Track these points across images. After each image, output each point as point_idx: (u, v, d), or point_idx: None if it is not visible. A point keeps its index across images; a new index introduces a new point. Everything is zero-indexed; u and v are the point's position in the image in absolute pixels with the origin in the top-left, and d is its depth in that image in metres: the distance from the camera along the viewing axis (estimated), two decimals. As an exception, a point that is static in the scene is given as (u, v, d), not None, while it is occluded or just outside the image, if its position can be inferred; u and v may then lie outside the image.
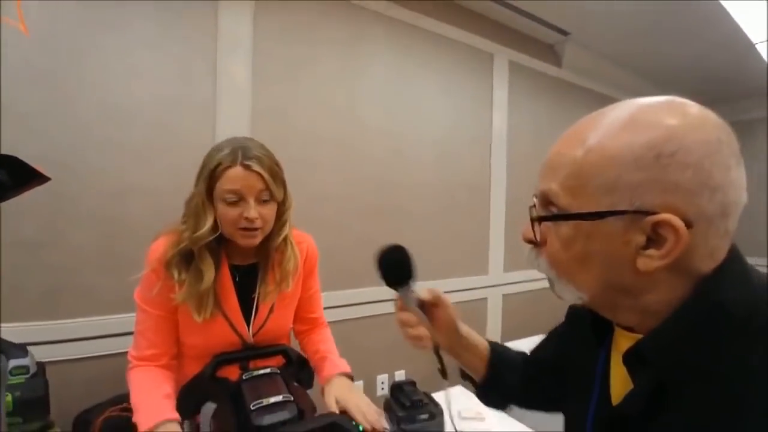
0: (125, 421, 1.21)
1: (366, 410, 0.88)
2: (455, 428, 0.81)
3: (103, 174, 1.33)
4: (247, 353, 0.92)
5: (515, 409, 1.85)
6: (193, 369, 0.89)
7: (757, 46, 2.64)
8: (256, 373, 0.83)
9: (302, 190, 1.73)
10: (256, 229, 0.86)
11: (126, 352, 1.32)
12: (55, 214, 1.26)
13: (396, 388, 1.30)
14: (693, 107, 0.40)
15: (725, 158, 0.37)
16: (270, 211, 0.88)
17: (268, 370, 0.84)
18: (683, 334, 0.39)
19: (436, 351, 0.67)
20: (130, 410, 1.23)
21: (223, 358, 0.89)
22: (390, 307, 2.19)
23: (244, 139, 0.88)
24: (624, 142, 0.38)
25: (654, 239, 0.38)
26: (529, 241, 0.48)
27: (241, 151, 0.83)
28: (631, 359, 0.42)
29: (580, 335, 0.56)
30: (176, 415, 0.79)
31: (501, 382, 0.71)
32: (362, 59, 1.90)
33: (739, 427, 0.35)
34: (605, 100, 2.83)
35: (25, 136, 1.20)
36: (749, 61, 2.86)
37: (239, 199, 0.84)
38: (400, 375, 2.09)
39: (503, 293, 2.53)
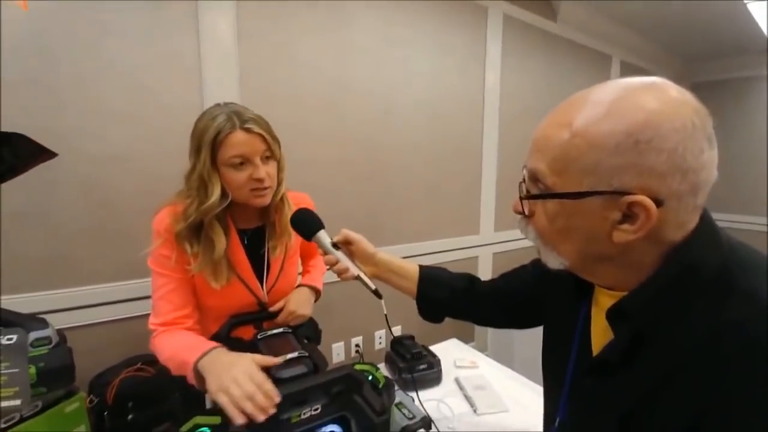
0: (142, 380, 1.30)
1: (293, 302, 1.01)
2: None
3: (88, 140, 1.29)
4: (260, 314, 0.97)
5: (507, 357, 1.99)
6: (212, 330, 0.94)
7: (747, 4, 2.60)
8: (269, 332, 0.88)
9: (291, 155, 1.71)
10: (266, 188, 0.90)
11: (127, 318, 1.40)
12: (43, 183, 1.24)
13: (396, 342, 1.39)
14: (671, 91, 0.42)
15: (698, 142, 0.40)
16: (273, 169, 0.93)
17: (280, 330, 0.89)
18: (659, 293, 0.45)
19: (357, 278, 0.82)
20: (144, 370, 1.32)
21: (237, 320, 0.93)
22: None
23: (231, 104, 0.90)
24: (606, 129, 0.41)
25: (629, 215, 0.43)
26: (519, 213, 0.53)
27: (236, 116, 0.86)
28: (613, 314, 0.48)
29: (560, 292, 0.64)
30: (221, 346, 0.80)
31: (431, 298, 0.87)
32: (349, 14, 1.82)
33: (705, 371, 0.41)
34: (600, 58, 2.82)
35: (5, 102, 1.15)
36: (746, 18, 2.82)
37: (245, 162, 0.87)
38: (396, 330, 2.20)
39: (493, 252, 2.63)
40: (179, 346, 0.82)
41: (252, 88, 1.58)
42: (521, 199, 0.52)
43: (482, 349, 2.34)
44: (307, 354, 0.78)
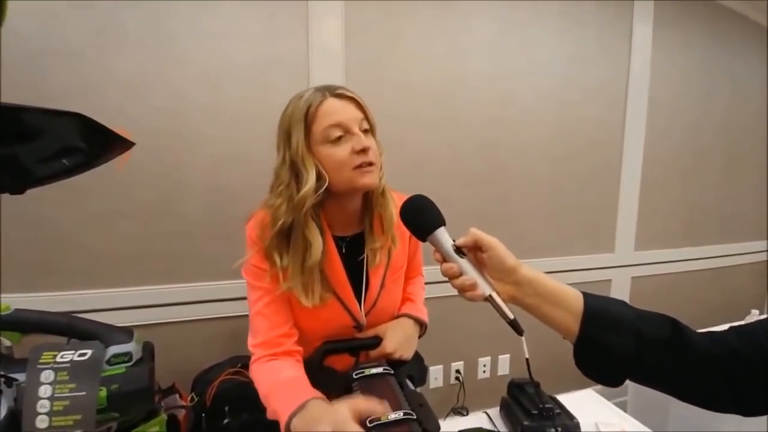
0: (240, 385, 1.26)
1: (394, 341, 0.81)
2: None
3: (206, 141, 1.31)
4: (357, 343, 0.81)
5: (667, 425, 1.54)
6: (308, 351, 0.81)
7: None
8: (367, 371, 0.71)
9: (398, 154, 1.56)
10: (372, 163, 0.74)
11: (236, 316, 1.39)
12: (171, 182, 1.28)
13: (515, 387, 1.11)
14: None
15: None
16: (374, 143, 0.77)
17: (380, 369, 0.71)
18: None
19: (488, 299, 0.58)
20: (242, 374, 1.28)
21: (330, 347, 0.79)
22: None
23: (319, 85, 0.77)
24: None
25: None
26: None
27: (325, 88, 0.75)
28: None
29: None
30: (320, 394, 0.67)
31: (603, 345, 0.54)
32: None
33: None
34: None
35: (127, 102, 1.20)
36: None
37: (344, 133, 0.73)
38: (504, 360, 1.90)
39: (632, 275, 2.12)
40: (274, 390, 0.69)
41: (357, 82, 1.46)
42: None
43: (613, 396, 1.88)
44: (414, 416, 0.58)
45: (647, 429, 1.05)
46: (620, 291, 2.10)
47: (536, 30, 1.75)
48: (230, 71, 1.31)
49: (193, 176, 1.30)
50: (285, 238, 0.75)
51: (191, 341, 1.36)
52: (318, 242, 0.73)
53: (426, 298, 1.66)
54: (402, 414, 0.58)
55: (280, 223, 0.72)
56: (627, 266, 2.09)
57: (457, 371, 1.83)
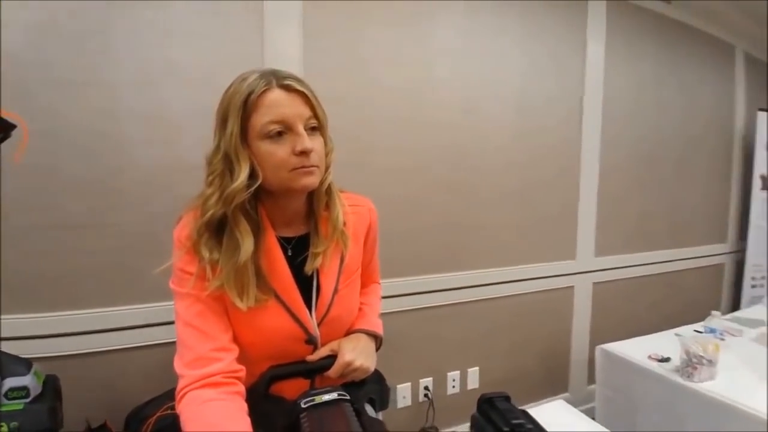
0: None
1: (350, 350, 0.72)
2: None
3: (150, 147, 1.19)
4: (308, 366, 0.72)
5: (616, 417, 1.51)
6: (255, 374, 0.69)
7: None
8: (318, 398, 0.61)
9: (361, 161, 1.51)
10: (314, 165, 0.66)
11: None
12: (101, 191, 1.15)
13: (485, 402, 1.04)
14: None
15: None
16: (321, 146, 0.69)
17: (333, 396, 0.62)
18: None
19: None
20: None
21: (277, 373, 0.69)
22: (464, 296, 1.90)
23: (268, 68, 0.68)
24: None
25: None
26: None
27: (272, 75, 0.65)
28: None
29: None
30: None
31: None
32: (428, 4, 1.59)
33: None
34: (721, 48, 2.23)
35: (58, 100, 1.08)
36: None
37: (285, 131, 0.64)
38: (473, 373, 1.84)
39: (593, 281, 2.15)
40: None
41: (317, 87, 1.39)
42: None
43: (581, 402, 1.86)
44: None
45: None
46: (583, 297, 2.12)
47: (497, 41, 1.77)
48: (174, 72, 1.21)
49: (129, 184, 1.17)
50: (215, 232, 0.65)
51: (125, 372, 1.20)
52: (248, 241, 0.64)
53: (392, 312, 1.61)
54: (356, 448, 0.49)
55: (209, 214, 0.63)
56: (588, 272, 2.12)
57: (426, 388, 1.75)
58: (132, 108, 1.17)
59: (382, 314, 1.62)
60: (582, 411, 1.13)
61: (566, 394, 2.08)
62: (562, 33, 1.93)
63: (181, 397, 0.61)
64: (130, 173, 1.18)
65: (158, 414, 1.10)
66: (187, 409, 0.59)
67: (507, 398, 1.06)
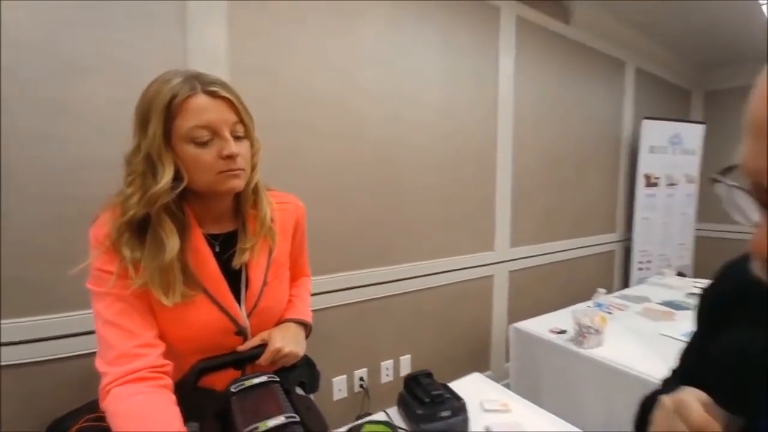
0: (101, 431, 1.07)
1: (280, 337, 0.77)
2: None
3: (47, 140, 1.10)
4: (237, 356, 0.75)
5: (544, 399, 1.75)
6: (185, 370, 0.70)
7: (763, 5, 2.45)
8: (248, 383, 0.66)
9: (296, 159, 1.54)
10: (239, 168, 0.69)
11: (94, 354, 1.17)
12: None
13: (410, 380, 1.15)
14: None
15: None
16: (246, 149, 0.72)
17: (263, 378, 0.67)
18: None
19: None
20: (103, 419, 1.09)
21: (205, 365, 0.71)
22: (394, 289, 2.01)
23: (191, 70, 0.69)
24: None
25: None
26: None
27: (196, 79, 0.65)
28: None
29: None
30: None
31: None
32: (354, 13, 1.67)
33: None
34: (614, 63, 2.64)
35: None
36: (758, 23, 2.67)
37: (211, 136, 0.66)
38: (405, 360, 1.96)
39: (510, 269, 2.40)
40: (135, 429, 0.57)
41: (245, 85, 1.39)
42: None
43: (501, 378, 2.08)
44: (297, 419, 0.56)
45: (525, 400, 1.19)
46: (501, 284, 2.36)
47: (419, 52, 1.90)
48: (86, 63, 1.14)
49: (26, 185, 1.08)
50: (137, 231, 0.65)
51: (40, 387, 1.12)
52: (174, 240, 0.65)
53: (326, 308, 1.66)
54: (284, 418, 0.55)
55: (131, 213, 0.63)
56: (505, 262, 2.36)
57: (361, 378, 1.84)
58: (35, 100, 1.08)
59: (317, 310, 1.68)
60: (503, 385, 1.28)
61: (489, 372, 2.30)
62: (478, 47, 2.12)
63: (106, 394, 0.61)
64: (29, 170, 1.09)
65: (78, 426, 1.05)
66: (113, 404, 0.60)
67: (429, 375, 1.18)
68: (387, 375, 1.92)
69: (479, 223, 2.23)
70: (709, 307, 0.50)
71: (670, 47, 3.34)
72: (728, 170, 0.31)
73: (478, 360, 2.27)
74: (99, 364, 0.64)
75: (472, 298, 2.22)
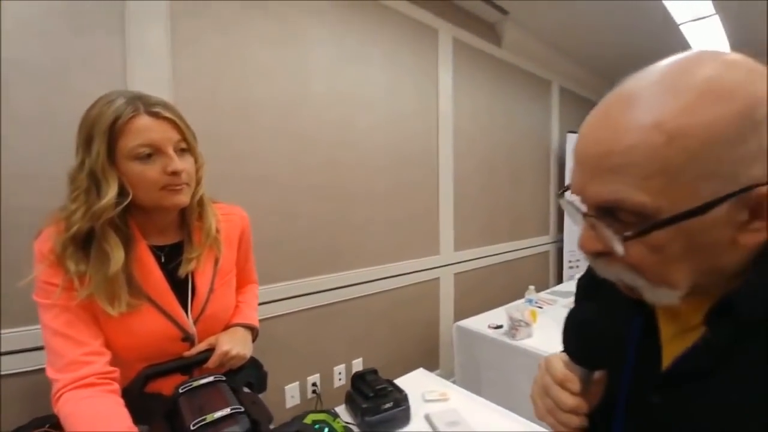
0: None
1: (227, 341, 0.82)
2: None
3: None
4: (183, 361, 0.78)
5: (484, 389, 1.89)
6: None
7: (680, 26, 2.86)
8: (195, 383, 0.70)
9: (241, 169, 1.57)
10: (183, 183, 0.74)
11: (39, 370, 1.12)
12: None
13: (357, 378, 1.23)
14: (749, 59, 0.35)
15: None
16: (191, 165, 0.76)
17: (210, 379, 0.71)
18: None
19: None
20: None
21: (152, 371, 0.74)
22: (345, 294, 2.08)
23: (132, 91, 0.74)
24: (717, 115, 0.32)
25: (756, 210, 0.33)
26: (597, 254, 0.40)
27: (139, 100, 0.70)
28: (716, 313, 0.38)
29: (613, 299, 0.48)
30: None
31: None
32: (301, 25, 1.73)
33: None
34: (541, 83, 2.94)
35: None
36: (679, 41, 3.08)
37: (154, 153, 0.70)
38: (357, 364, 2.02)
39: (454, 272, 2.55)
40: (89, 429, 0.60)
41: (189, 95, 1.41)
42: (625, 240, 0.36)
43: (450, 375, 2.21)
44: (242, 409, 0.61)
45: (463, 390, 1.30)
46: (447, 286, 2.50)
47: (364, 66, 2.00)
48: (21, 69, 1.11)
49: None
50: (82, 245, 0.68)
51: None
52: (118, 253, 0.69)
53: (277, 315, 1.69)
54: (229, 410, 0.60)
55: (75, 229, 0.66)
56: (450, 264, 2.51)
57: (314, 384, 1.87)
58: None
59: (269, 318, 1.71)
60: (451, 381, 1.39)
61: (438, 370, 2.42)
62: (419, 64, 2.28)
63: (58, 399, 0.64)
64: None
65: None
66: (65, 407, 0.63)
67: (374, 372, 1.26)
68: (339, 379, 1.97)
69: (425, 229, 2.37)
70: (582, 286, 0.63)
71: (591, 69, 3.76)
72: (566, 188, 0.43)
73: (428, 359, 2.39)
74: (49, 372, 0.66)
75: (420, 300, 2.34)
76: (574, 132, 3.50)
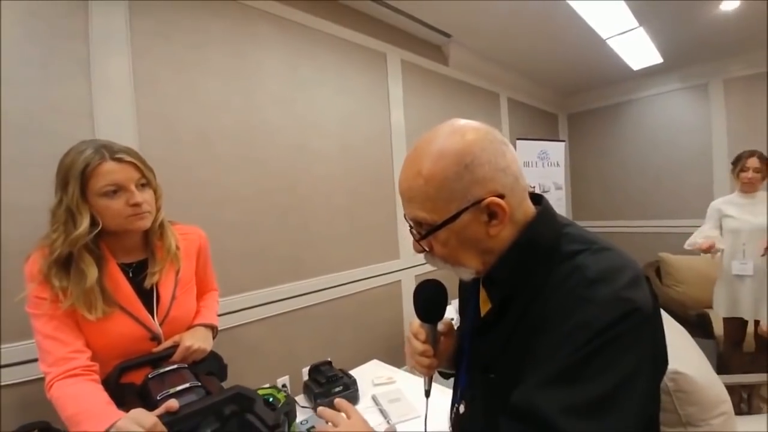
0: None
1: (189, 338, 0.97)
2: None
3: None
4: (152, 356, 0.94)
5: (437, 376, 2.08)
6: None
7: (608, 41, 3.19)
8: (162, 369, 0.86)
9: (204, 193, 1.73)
10: (146, 211, 0.92)
11: (24, 382, 1.25)
12: None
13: (313, 370, 1.40)
14: (470, 127, 0.59)
15: (499, 148, 0.58)
16: (150, 196, 0.94)
17: (174, 366, 0.88)
18: (514, 261, 0.59)
19: (441, 375, 0.79)
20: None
21: (126, 365, 0.90)
22: (311, 300, 2.26)
23: (98, 140, 0.92)
24: (444, 165, 0.56)
25: (492, 213, 0.57)
26: (421, 251, 0.63)
27: (104, 149, 0.88)
28: (488, 282, 0.64)
29: (465, 283, 0.74)
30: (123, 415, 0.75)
31: None
32: (255, 58, 1.92)
33: (545, 318, 0.54)
34: (490, 96, 3.24)
35: None
36: (608, 53, 3.42)
37: (119, 190, 0.88)
38: (324, 363, 2.18)
39: (415, 274, 2.76)
40: (80, 408, 0.76)
41: (152, 130, 1.57)
42: (419, 241, 0.62)
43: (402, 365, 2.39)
44: (199, 384, 0.78)
45: (408, 374, 1.48)
46: (408, 287, 2.70)
47: (318, 92, 2.20)
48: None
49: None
50: (63, 265, 0.85)
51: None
52: (93, 270, 0.86)
53: (247, 323, 1.84)
54: (188, 384, 0.77)
55: (57, 253, 0.83)
56: (411, 267, 2.72)
57: (284, 385, 2.01)
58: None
59: (239, 326, 1.86)
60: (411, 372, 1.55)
61: (405, 367, 2.60)
62: (370, 87, 2.50)
63: (50, 387, 0.80)
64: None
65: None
66: (57, 392, 0.79)
67: (329, 363, 1.44)
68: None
69: (384, 237, 2.57)
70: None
71: (535, 80, 4.10)
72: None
73: (393, 356, 2.56)
74: (42, 367, 0.84)
75: (383, 301, 2.53)
76: (524, 139, 3.80)
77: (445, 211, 0.57)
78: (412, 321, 0.74)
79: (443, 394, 1.18)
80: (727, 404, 0.91)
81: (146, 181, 0.94)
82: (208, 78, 1.76)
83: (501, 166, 0.57)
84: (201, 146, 1.72)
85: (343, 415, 0.67)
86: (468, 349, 0.70)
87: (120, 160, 0.88)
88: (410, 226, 0.63)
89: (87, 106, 1.43)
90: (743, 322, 2.19)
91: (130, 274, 0.96)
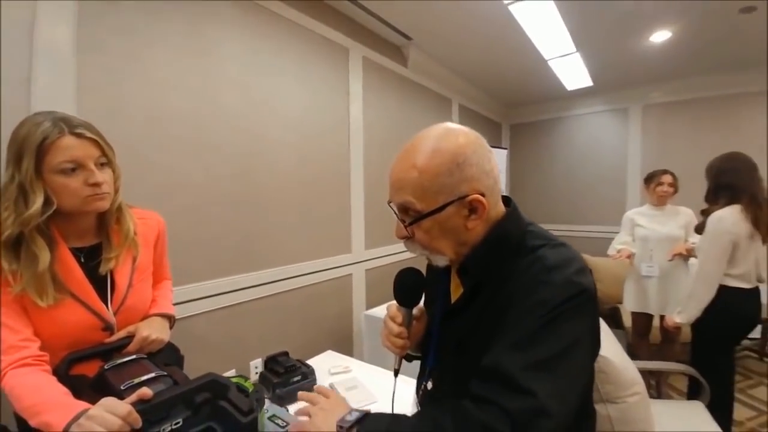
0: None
1: (146, 327, 0.94)
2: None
3: None
4: (104, 347, 0.88)
5: (388, 365, 2.16)
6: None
7: (549, 62, 3.49)
8: (119, 361, 0.82)
9: (152, 177, 1.62)
10: (105, 192, 0.86)
11: None
12: None
13: (270, 360, 1.39)
14: (462, 131, 0.69)
15: (486, 154, 0.68)
16: (110, 176, 0.89)
17: (133, 356, 0.84)
18: (485, 253, 0.68)
19: (405, 357, 0.84)
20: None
21: (76, 355, 0.84)
22: (262, 292, 2.22)
23: (55, 112, 0.84)
24: (439, 162, 0.64)
25: (473, 209, 0.66)
26: (404, 237, 0.70)
27: (63, 122, 0.81)
28: (461, 271, 0.73)
29: (435, 271, 0.81)
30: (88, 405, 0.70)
31: None
32: (214, 36, 1.83)
33: (511, 297, 0.63)
34: (443, 100, 3.40)
35: None
36: (549, 72, 3.73)
37: (78, 167, 0.82)
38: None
39: (366, 268, 2.81)
40: (40, 399, 0.71)
41: (94, 103, 1.43)
42: (405, 227, 0.69)
43: (361, 359, 2.44)
44: (165, 373, 0.76)
45: (363, 363, 1.54)
46: (359, 281, 2.75)
47: (278, 79, 2.15)
48: None
49: None
50: (13, 246, 0.77)
51: None
52: (45, 254, 0.79)
53: (193, 315, 1.76)
54: (154, 374, 0.75)
55: (7, 233, 0.76)
56: (361, 262, 2.76)
57: (257, 371, 1.96)
58: None
59: (187, 317, 1.77)
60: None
61: (353, 357, 2.64)
62: (331, 80, 2.49)
63: (4, 375, 0.74)
64: None
65: None
66: (10, 381, 0.73)
67: (286, 354, 1.44)
68: (256, 373, 2.08)
69: (337, 230, 2.58)
70: (428, 266, 0.91)
71: (484, 90, 4.35)
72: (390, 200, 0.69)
73: (342, 347, 2.60)
74: None
75: (334, 294, 2.55)
76: (471, 144, 4.03)
77: (433, 202, 0.64)
78: (389, 305, 0.81)
79: (402, 381, 1.26)
80: (641, 386, 1.09)
81: (106, 160, 0.87)
82: (160, 52, 1.63)
83: (486, 169, 0.66)
84: (149, 125, 1.61)
85: (321, 396, 0.71)
86: (437, 332, 0.77)
87: (80, 135, 0.81)
88: (395, 212, 0.70)
89: (25, 72, 1.27)
90: (649, 317, 2.56)
91: (82, 260, 0.89)
